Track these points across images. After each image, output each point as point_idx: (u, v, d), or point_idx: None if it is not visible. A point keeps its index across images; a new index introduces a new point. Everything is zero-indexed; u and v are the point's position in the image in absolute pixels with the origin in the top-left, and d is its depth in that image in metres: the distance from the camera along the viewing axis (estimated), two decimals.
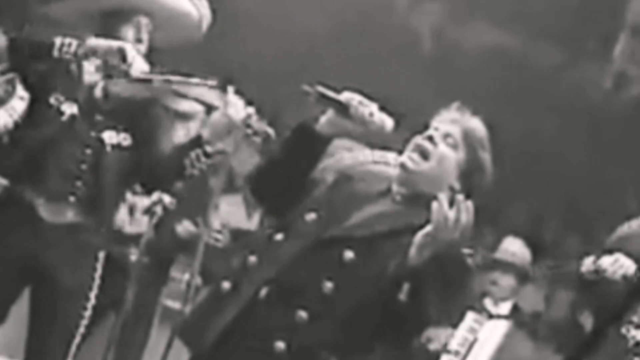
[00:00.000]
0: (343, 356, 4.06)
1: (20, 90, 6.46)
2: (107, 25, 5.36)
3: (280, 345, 3.91)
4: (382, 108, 4.10)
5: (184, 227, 7.20)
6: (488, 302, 6.77)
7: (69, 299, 5.25)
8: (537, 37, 8.53)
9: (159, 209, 6.84)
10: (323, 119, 4.15)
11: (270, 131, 5.74)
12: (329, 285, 3.97)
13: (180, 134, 5.51)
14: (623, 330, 5.98)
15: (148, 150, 5.31)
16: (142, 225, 6.91)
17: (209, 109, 5.39)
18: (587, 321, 6.65)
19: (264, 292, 4.02)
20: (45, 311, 5.23)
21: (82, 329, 5.43)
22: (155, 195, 6.81)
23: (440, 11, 8.82)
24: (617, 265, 5.73)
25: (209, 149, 5.26)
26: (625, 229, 5.86)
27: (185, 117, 5.38)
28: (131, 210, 6.96)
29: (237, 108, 5.20)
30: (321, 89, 4.07)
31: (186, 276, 7.13)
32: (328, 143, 4.24)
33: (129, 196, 6.71)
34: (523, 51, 8.58)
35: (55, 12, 5.59)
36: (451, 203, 3.77)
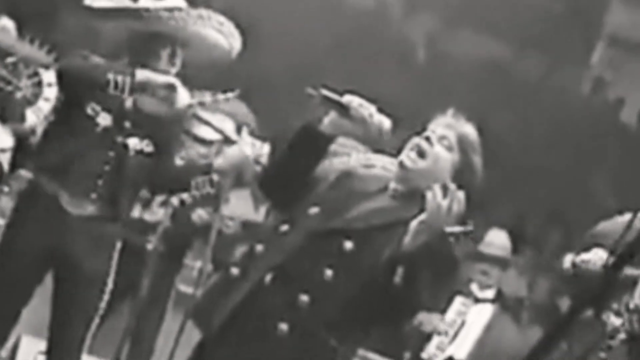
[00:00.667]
0: (341, 337, 4.07)
1: (47, 92, 6.49)
2: (147, 46, 5.37)
3: (284, 326, 3.92)
4: (380, 110, 4.09)
5: (199, 215, 7.21)
6: (475, 288, 6.79)
7: (89, 284, 5.28)
8: (523, 46, 8.52)
9: (175, 201, 6.87)
10: (326, 120, 4.14)
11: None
12: (329, 272, 3.98)
13: (195, 154, 5.57)
14: (604, 317, 5.99)
15: (164, 160, 5.34)
16: (159, 214, 6.93)
17: (227, 140, 5.45)
18: (565, 305, 6.65)
19: (269, 277, 4.02)
20: (67, 294, 5.26)
21: (100, 312, 5.45)
22: None
23: (432, 22, 8.81)
24: (597, 257, 5.74)
25: (215, 177, 5.32)
26: (608, 224, 5.85)
27: (202, 141, 5.43)
28: (148, 202, 6.97)
29: (252, 146, 5.28)
30: (324, 91, 4.07)
31: (198, 263, 7.14)
32: (330, 142, 4.22)
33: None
34: (511, 59, 8.59)
35: (106, 29, 5.60)
36: (444, 193, 3.80)
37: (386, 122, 4.11)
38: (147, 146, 5.29)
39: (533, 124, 8.24)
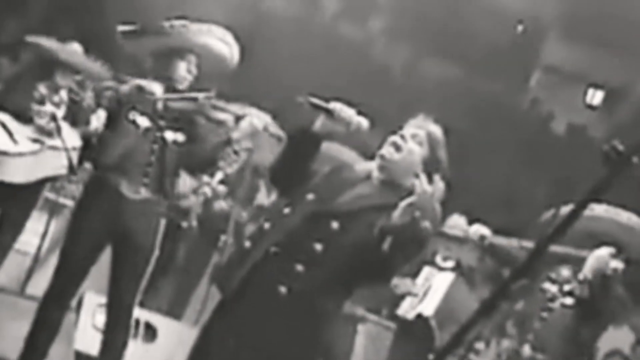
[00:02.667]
0: (328, 298, 4.05)
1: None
2: (165, 60, 5.34)
3: (283, 289, 3.92)
4: (360, 112, 4.09)
5: (220, 206, 7.22)
6: (438, 259, 6.81)
7: (139, 253, 5.29)
8: (477, 70, 8.51)
9: (208, 191, 6.87)
10: (317, 122, 4.14)
11: (282, 134, 5.76)
12: (318, 246, 3.96)
13: (216, 134, 5.54)
14: (546, 285, 6.00)
15: (195, 145, 5.34)
16: (192, 201, 6.93)
17: (237, 118, 5.43)
18: (507, 273, 6.66)
19: (273, 249, 4.01)
20: (122, 261, 5.27)
21: (147, 275, 5.46)
22: (204, 178, 6.83)
23: (408, 50, 8.78)
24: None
25: (236, 147, 5.32)
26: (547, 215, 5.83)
27: (221, 124, 5.41)
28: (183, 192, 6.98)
29: (259, 117, 5.28)
30: (311, 98, 4.07)
31: (223, 237, 7.14)
32: (321, 140, 4.19)
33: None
34: (467, 80, 8.59)
35: (130, 47, 5.59)
36: (430, 181, 3.82)
37: (364, 122, 4.11)
38: (180, 137, 5.31)
39: (485, 130, 8.24)
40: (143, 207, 5.25)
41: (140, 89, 5.18)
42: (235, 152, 5.35)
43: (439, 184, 3.93)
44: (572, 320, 5.91)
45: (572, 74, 7.24)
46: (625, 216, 6.01)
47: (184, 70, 5.33)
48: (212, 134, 5.36)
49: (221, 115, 5.35)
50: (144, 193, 5.20)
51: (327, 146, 4.37)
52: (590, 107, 5.50)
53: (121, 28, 5.42)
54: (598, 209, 5.86)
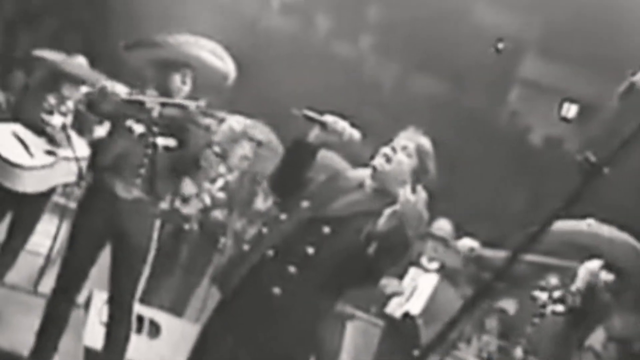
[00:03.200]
0: (320, 298, 4.05)
1: None
2: (162, 71, 5.26)
3: (277, 290, 3.93)
4: (352, 125, 4.10)
5: (214, 216, 7.18)
6: (424, 260, 6.81)
7: (135, 252, 5.26)
8: (460, 85, 8.52)
9: (207, 199, 6.86)
10: (312, 134, 4.15)
11: (262, 138, 5.76)
12: (310, 249, 3.97)
13: (202, 138, 5.51)
14: (536, 293, 6.05)
15: (184, 149, 5.30)
16: (193, 209, 6.90)
17: (220, 120, 5.44)
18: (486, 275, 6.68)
19: (269, 253, 4.00)
20: (119, 260, 5.23)
21: (145, 273, 5.47)
22: (206, 185, 6.83)
23: (397, 67, 8.78)
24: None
25: (216, 149, 5.32)
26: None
27: (207, 129, 5.38)
28: (186, 199, 6.96)
29: (238, 121, 5.31)
30: (305, 111, 4.09)
31: (222, 239, 7.13)
32: (316, 151, 4.18)
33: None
34: (451, 94, 8.59)
35: (130, 58, 5.56)
36: (413, 190, 3.83)
37: (356, 133, 4.12)
38: (171, 142, 5.28)
39: (466, 142, 8.23)
40: (137, 207, 5.18)
41: (103, 89, 5.14)
42: (216, 154, 5.35)
43: (422, 194, 3.95)
44: (563, 326, 5.98)
45: (548, 89, 7.25)
46: (606, 229, 6.07)
47: (178, 82, 5.25)
48: (198, 139, 5.34)
49: (206, 120, 5.34)
50: (135, 193, 5.15)
51: (322, 155, 4.39)
52: (565, 119, 5.53)
53: (124, 42, 5.41)
54: (582, 224, 5.91)
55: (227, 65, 5.43)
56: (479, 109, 8.36)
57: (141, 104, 5.21)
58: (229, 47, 5.42)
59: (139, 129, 5.14)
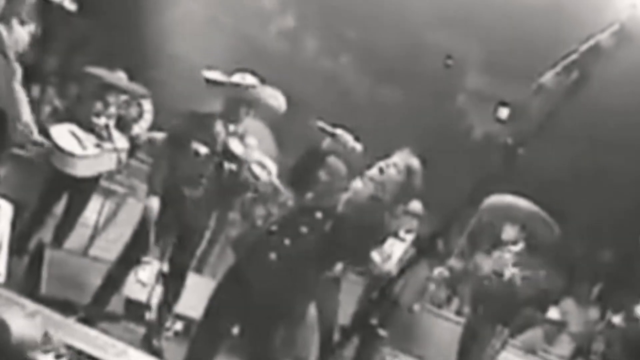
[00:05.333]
0: (308, 266, 4.10)
1: (146, 115, 6.53)
2: (233, 107, 5.26)
3: (273, 255, 4.01)
4: (356, 138, 4.12)
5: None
6: (402, 232, 6.72)
7: (194, 234, 5.36)
8: (418, 93, 8.48)
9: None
10: (325, 142, 4.17)
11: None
12: (304, 229, 4.04)
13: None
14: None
15: (238, 170, 5.28)
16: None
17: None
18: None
19: (273, 228, 4.10)
20: (182, 241, 5.33)
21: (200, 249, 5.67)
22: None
23: (367, 80, 8.72)
24: None
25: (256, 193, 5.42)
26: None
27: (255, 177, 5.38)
28: None
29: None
30: (319, 124, 4.12)
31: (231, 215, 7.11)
32: (326, 156, 4.22)
33: None
34: (410, 100, 8.56)
35: (212, 90, 5.44)
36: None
37: (358, 146, 4.15)
38: (233, 167, 5.21)
39: (423, 138, 8.15)
40: (198, 203, 5.23)
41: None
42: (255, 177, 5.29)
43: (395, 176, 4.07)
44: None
45: (487, 96, 7.26)
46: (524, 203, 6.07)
47: (244, 114, 5.28)
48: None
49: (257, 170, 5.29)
50: (198, 193, 5.18)
51: (331, 160, 4.40)
52: (499, 120, 5.57)
53: (206, 74, 5.32)
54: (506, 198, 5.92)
55: (280, 104, 5.42)
56: (432, 112, 8.34)
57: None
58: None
59: (203, 150, 5.17)
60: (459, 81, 7.85)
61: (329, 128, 4.18)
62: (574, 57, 2.12)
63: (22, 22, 4.66)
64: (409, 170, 4.14)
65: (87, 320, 4.67)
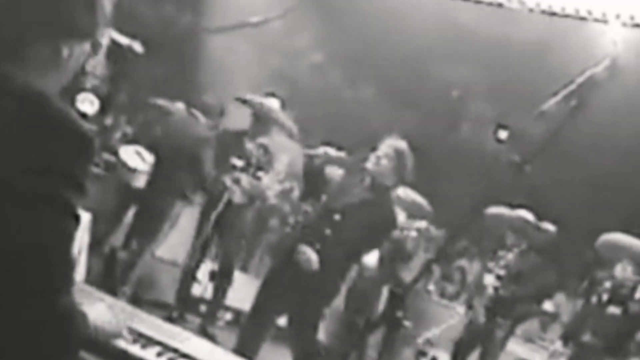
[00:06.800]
0: (335, 261, 4.10)
1: None
2: (257, 121, 5.32)
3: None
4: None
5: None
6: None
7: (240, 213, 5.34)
8: (430, 119, 8.34)
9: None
10: (316, 161, 4.32)
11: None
12: (328, 230, 4.03)
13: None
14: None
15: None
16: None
17: None
18: None
19: (303, 232, 4.15)
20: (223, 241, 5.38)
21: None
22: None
23: (385, 106, 8.61)
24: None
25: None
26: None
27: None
28: None
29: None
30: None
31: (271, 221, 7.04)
32: (323, 169, 4.32)
33: None
34: (424, 126, 8.39)
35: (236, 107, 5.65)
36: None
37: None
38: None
39: (437, 157, 7.97)
40: (242, 208, 5.28)
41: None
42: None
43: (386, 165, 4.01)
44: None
45: (489, 120, 7.18)
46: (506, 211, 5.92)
47: (266, 131, 5.33)
48: None
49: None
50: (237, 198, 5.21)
51: (328, 170, 4.39)
52: (499, 141, 5.49)
53: (238, 96, 5.41)
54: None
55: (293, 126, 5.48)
56: (442, 136, 8.25)
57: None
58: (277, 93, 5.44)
59: (239, 163, 5.21)
60: (464, 108, 7.78)
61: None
62: (572, 87, 2.10)
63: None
64: (398, 153, 4.08)
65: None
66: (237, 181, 5.10)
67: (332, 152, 4.23)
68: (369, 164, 4.09)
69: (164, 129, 5.62)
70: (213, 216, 5.00)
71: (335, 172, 4.38)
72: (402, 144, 4.13)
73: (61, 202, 1.24)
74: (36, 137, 1.23)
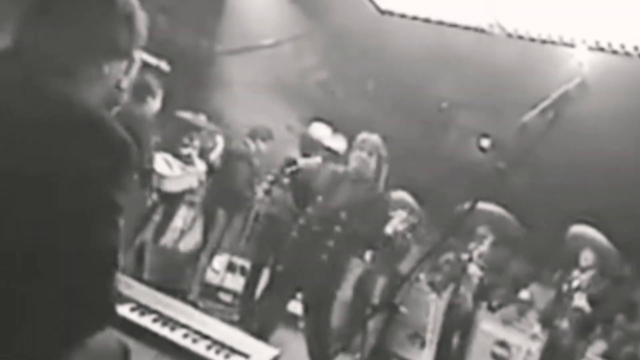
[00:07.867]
0: (345, 255, 4.05)
1: (218, 147, 6.55)
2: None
3: (324, 256, 3.89)
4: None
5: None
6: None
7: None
8: (422, 130, 8.30)
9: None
10: (287, 170, 4.15)
11: None
12: (338, 228, 3.92)
13: None
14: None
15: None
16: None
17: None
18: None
19: (313, 235, 3.94)
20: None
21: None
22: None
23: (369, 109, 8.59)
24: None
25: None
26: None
27: None
28: None
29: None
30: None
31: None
32: (297, 173, 4.07)
33: None
34: (408, 132, 8.38)
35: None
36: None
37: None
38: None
39: (425, 164, 7.86)
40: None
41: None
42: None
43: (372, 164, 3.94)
44: None
45: (473, 130, 7.15)
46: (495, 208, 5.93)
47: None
48: None
49: None
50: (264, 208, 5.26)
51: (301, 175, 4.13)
52: (482, 149, 5.41)
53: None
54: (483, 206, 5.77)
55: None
56: (431, 143, 8.21)
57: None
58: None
59: (265, 185, 5.25)
60: (451, 119, 7.76)
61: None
62: (548, 101, 2.11)
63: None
64: (375, 148, 3.99)
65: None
66: (268, 192, 5.10)
67: (316, 160, 4.15)
68: (353, 162, 4.00)
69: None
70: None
71: (310, 162, 4.24)
72: (376, 137, 4.05)
73: (109, 201, 1.27)
74: (86, 143, 1.26)
